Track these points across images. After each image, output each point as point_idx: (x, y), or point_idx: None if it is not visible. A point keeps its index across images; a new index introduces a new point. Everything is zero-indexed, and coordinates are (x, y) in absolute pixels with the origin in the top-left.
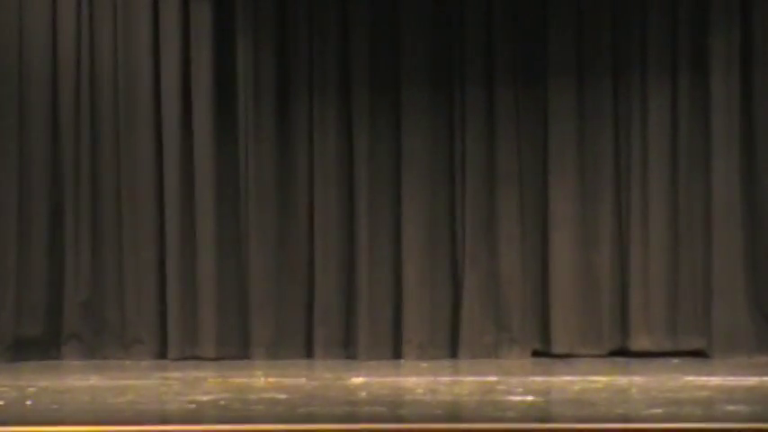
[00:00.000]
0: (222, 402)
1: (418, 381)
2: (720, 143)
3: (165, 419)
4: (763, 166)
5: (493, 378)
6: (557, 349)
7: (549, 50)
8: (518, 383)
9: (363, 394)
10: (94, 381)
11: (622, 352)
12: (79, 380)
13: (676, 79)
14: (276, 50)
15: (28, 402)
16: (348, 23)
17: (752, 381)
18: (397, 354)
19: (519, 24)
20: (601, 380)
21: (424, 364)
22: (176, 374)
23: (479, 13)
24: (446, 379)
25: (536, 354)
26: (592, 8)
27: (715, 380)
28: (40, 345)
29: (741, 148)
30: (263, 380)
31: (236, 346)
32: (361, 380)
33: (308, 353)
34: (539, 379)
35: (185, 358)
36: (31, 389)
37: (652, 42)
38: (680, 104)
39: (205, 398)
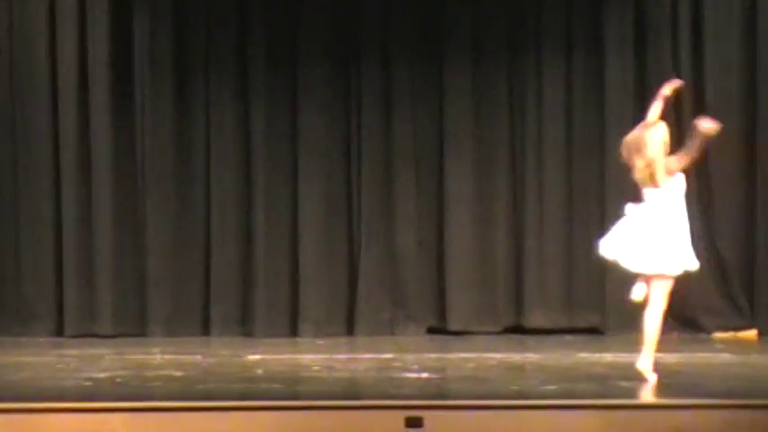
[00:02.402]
0: (119, 379)
1: (315, 358)
2: (614, 122)
3: (61, 396)
4: None
5: (389, 355)
6: (452, 326)
7: (445, 29)
8: (414, 360)
9: (260, 371)
10: None
11: (517, 329)
12: None
13: (571, 57)
14: (173, 27)
15: None
16: (245, 1)
17: None
18: (293, 331)
19: (415, 4)
20: (496, 357)
21: (321, 342)
22: (73, 351)
23: None
24: (342, 356)
25: (432, 331)
26: None
27: (609, 356)
28: None
29: (634, 126)
30: (160, 357)
31: (133, 323)
32: (258, 357)
33: (205, 330)
34: (434, 356)
35: (82, 335)
36: None
37: (547, 21)
38: (575, 82)
39: (102, 375)
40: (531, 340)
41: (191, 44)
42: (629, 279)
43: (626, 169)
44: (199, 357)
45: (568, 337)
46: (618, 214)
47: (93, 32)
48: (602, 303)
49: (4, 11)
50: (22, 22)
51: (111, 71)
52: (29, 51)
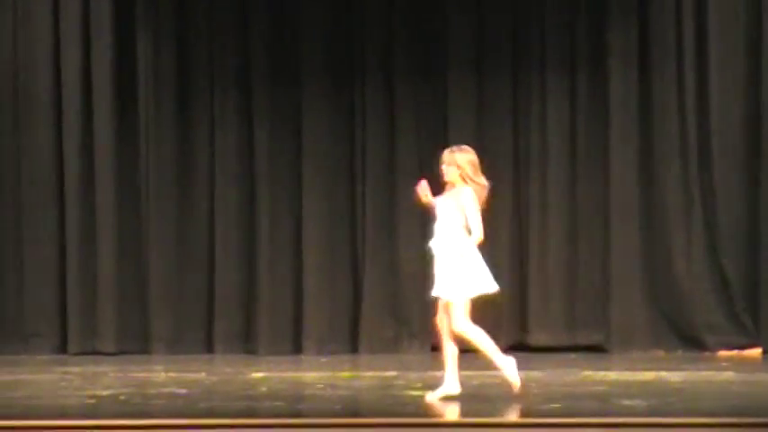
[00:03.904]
0: (122, 397)
1: (318, 376)
2: (618, 139)
3: (64, 414)
4: (660, 163)
5: (392, 373)
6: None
7: (449, 46)
8: (417, 378)
9: (263, 389)
10: None
11: (521, 347)
12: None
13: (575, 75)
14: (176, 46)
15: None
16: (248, 19)
17: (648, 375)
18: (297, 349)
19: (419, 20)
20: (499, 375)
21: (324, 359)
22: (76, 369)
23: (380, 8)
24: (346, 374)
25: (435, 349)
26: (491, 3)
27: (612, 374)
28: None
29: (638, 144)
30: (163, 374)
31: (136, 340)
32: (261, 375)
33: (209, 348)
34: (438, 374)
35: (85, 353)
36: None
37: (551, 39)
38: (578, 100)
39: (105, 392)
40: (534, 358)
41: (194, 63)
42: (632, 298)
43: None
44: (202, 375)
45: (572, 356)
46: (620, 232)
47: (97, 53)
48: (606, 321)
49: (8, 34)
50: (26, 45)
51: (114, 91)
52: (33, 73)
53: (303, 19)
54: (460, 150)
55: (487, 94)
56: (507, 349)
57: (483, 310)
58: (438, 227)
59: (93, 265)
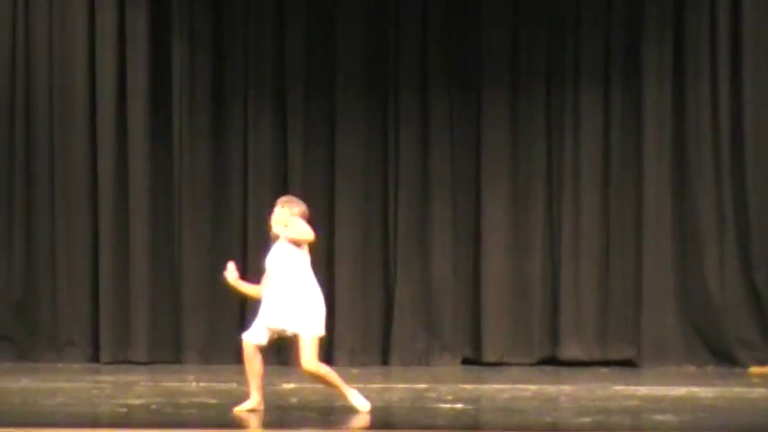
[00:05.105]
0: (153, 406)
1: None
2: (652, 153)
3: (96, 422)
4: (693, 177)
5: (423, 385)
6: (487, 357)
7: (483, 58)
8: (448, 391)
9: (294, 400)
10: (26, 383)
11: (552, 360)
12: (10, 382)
13: (608, 88)
14: (211, 54)
15: None
16: (284, 28)
17: (680, 390)
18: (328, 359)
19: (453, 32)
20: (530, 388)
21: (355, 371)
22: (108, 378)
23: (414, 19)
24: (377, 385)
25: (466, 361)
26: (526, 17)
27: (643, 389)
28: None
29: (672, 158)
30: (195, 384)
31: (168, 350)
32: (293, 385)
33: (240, 358)
34: (469, 386)
35: (118, 362)
36: None
37: (585, 51)
38: (612, 113)
39: (137, 401)
40: (565, 372)
41: (229, 71)
42: (664, 313)
43: None
44: (233, 385)
45: (603, 370)
46: (653, 246)
47: (132, 58)
48: (638, 336)
49: (44, 37)
50: (62, 49)
51: (149, 98)
52: (68, 77)
53: (339, 29)
54: (285, 204)
55: (521, 107)
56: (538, 363)
57: (514, 324)
58: (274, 280)
59: (125, 274)
